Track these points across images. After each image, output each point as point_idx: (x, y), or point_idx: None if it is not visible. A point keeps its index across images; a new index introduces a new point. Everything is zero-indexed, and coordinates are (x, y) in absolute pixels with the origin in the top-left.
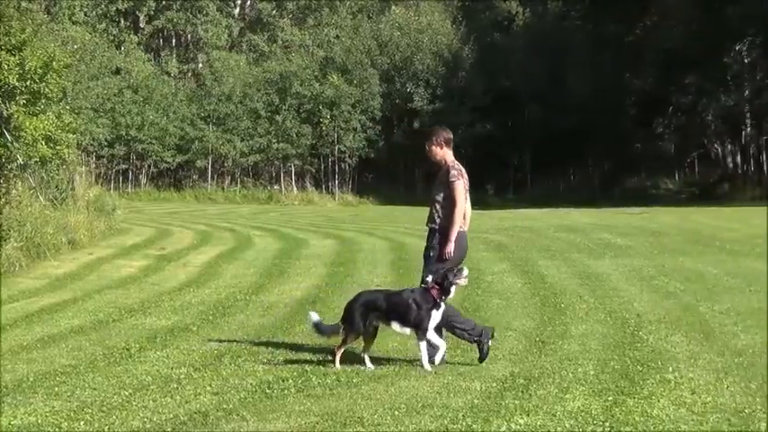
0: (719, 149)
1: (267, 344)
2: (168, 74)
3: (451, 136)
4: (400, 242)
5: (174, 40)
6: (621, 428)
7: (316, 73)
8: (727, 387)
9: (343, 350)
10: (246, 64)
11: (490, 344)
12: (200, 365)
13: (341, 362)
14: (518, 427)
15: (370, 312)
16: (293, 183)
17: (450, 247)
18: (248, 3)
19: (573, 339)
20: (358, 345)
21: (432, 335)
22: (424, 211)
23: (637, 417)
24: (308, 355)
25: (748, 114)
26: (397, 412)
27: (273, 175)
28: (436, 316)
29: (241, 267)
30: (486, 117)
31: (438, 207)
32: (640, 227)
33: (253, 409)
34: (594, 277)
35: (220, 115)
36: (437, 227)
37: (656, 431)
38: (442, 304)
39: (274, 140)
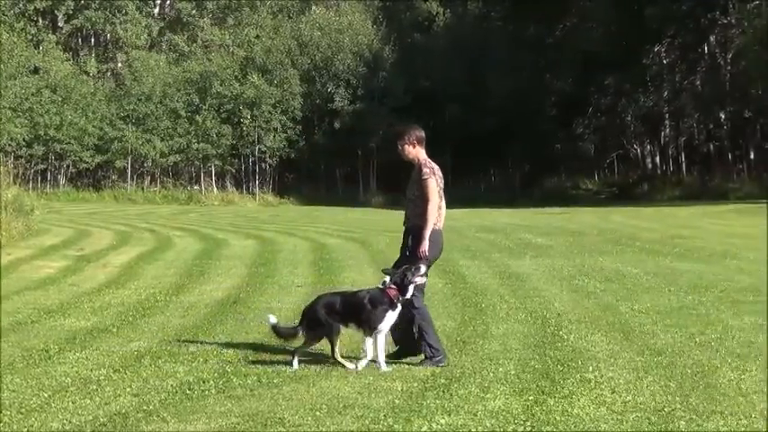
0: (639, 150)
1: (187, 345)
2: (87, 73)
3: (423, 134)
4: (321, 242)
5: (92, 40)
6: (542, 428)
7: (236, 73)
8: (647, 386)
9: (337, 349)
10: (166, 64)
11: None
12: (120, 367)
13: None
14: (439, 426)
15: (330, 314)
16: (213, 183)
17: (425, 246)
18: (168, 2)
19: (494, 339)
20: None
21: (383, 337)
22: (345, 212)
23: (557, 416)
24: (228, 356)
25: (667, 115)
26: (318, 413)
27: (193, 175)
28: (391, 317)
29: (161, 268)
30: (406, 117)
31: (412, 206)
32: (560, 227)
33: (173, 410)
34: (515, 277)
35: (140, 115)
36: (411, 225)
37: (577, 430)
38: (399, 305)
39: (194, 141)
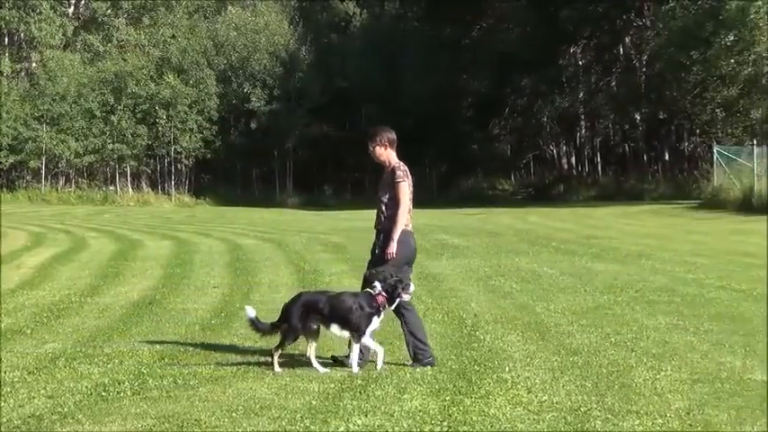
0: (555, 151)
1: (103, 346)
2: (1, 73)
3: (395, 136)
4: (237, 243)
5: (6, 39)
6: (459, 428)
7: (151, 73)
8: (563, 386)
9: (280, 352)
10: (81, 63)
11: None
12: (34, 368)
13: (279, 364)
14: (356, 427)
15: (310, 314)
16: (129, 184)
17: (392, 248)
18: (83, 2)
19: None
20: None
21: (368, 340)
22: (261, 212)
23: (474, 416)
24: (144, 358)
25: (582, 116)
26: (234, 414)
27: (109, 176)
28: (376, 322)
29: (76, 269)
30: (323, 118)
31: (383, 208)
32: (477, 227)
33: (88, 412)
34: (432, 278)
35: (54, 115)
36: (383, 228)
37: (493, 430)
38: (383, 313)
39: (109, 141)
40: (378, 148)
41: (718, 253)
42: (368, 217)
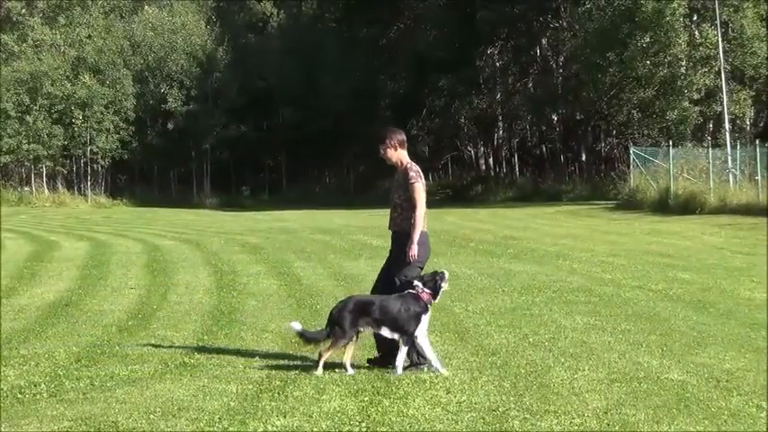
0: (472, 152)
1: (18, 348)
2: None
3: (404, 137)
4: (154, 244)
5: None
6: (377, 428)
7: (67, 73)
8: (482, 386)
9: (328, 355)
10: None
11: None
12: None
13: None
14: (274, 428)
15: (360, 317)
16: (44, 184)
17: (414, 250)
18: None
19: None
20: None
21: (423, 341)
22: (178, 213)
23: (393, 417)
24: (60, 360)
25: (500, 117)
26: (152, 416)
27: (24, 176)
28: (425, 321)
29: None
30: (240, 119)
31: (399, 210)
32: None
33: (4, 414)
34: (350, 278)
35: None
36: (399, 229)
37: (412, 431)
38: (430, 309)
39: (25, 141)
40: (389, 150)
41: (634, 253)
42: (287, 218)
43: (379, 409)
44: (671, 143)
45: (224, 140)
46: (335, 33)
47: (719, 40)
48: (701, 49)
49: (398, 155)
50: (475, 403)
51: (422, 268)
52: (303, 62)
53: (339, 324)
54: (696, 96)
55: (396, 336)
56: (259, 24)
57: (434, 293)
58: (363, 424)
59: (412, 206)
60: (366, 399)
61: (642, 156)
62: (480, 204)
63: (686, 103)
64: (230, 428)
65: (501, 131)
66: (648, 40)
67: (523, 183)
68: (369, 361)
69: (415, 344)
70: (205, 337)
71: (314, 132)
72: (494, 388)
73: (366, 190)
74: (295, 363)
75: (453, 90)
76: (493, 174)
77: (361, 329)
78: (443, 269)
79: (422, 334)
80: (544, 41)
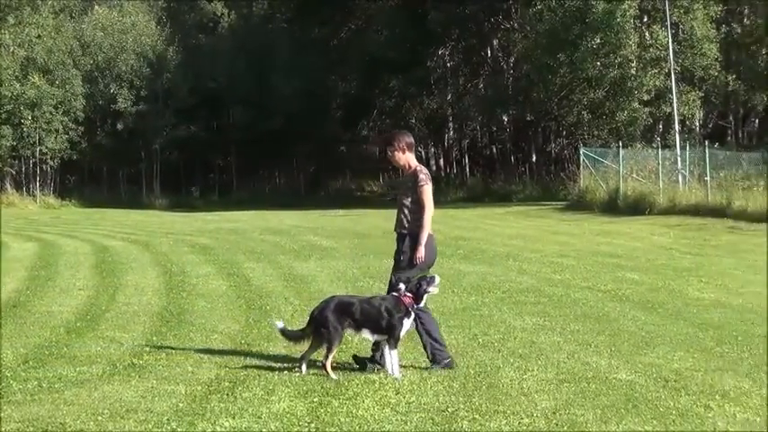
0: (423, 152)
1: None
2: None
3: (412, 140)
4: (104, 245)
5: None
6: (327, 429)
7: (16, 73)
8: (431, 387)
9: (332, 358)
10: None
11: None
12: None
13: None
14: (223, 429)
15: (342, 318)
16: None
17: (421, 252)
18: None
19: (278, 342)
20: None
21: (396, 346)
22: (127, 214)
23: (342, 417)
24: (8, 361)
25: (451, 118)
26: (100, 417)
27: None
28: (407, 324)
29: None
30: (190, 119)
31: (406, 212)
32: (345, 229)
33: None
34: (300, 279)
35: None
36: (407, 231)
37: (361, 431)
38: (413, 313)
39: None
40: (397, 152)
41: (584, 254)
42: (237, 218)
43: (329, 410)
44: (621, 144)
45: (174, 141)
46: (287, 34)
47: (670, 41)
48: (651, 50)
49: (406, 158)
50: (424, 404)
51: (429, 269)
52: (254, 62)
53: (324, 325)
54: (646, 97)
55: (376, 338)
56: (210, 25)
57: (416, 297)
58: (312, 425)
59: (420, 208)
60: (315, 400)
61: (592, 156)
62: None
63: (636, 104)
64: (179, 429)
65: (451, 132)
66: (599, 41)
67: (474, 183)
68: (354, 357)
69: (437, 353)
70: (154, 339)
71: (264, 132)
72: (443, 388)
73: (316, 190)
74: (244, 364)
75: (404, 90)
76: (443, 174)
77: (344, 329)
78: (435, 275)
79: (402, 337)
80: (495, 42)
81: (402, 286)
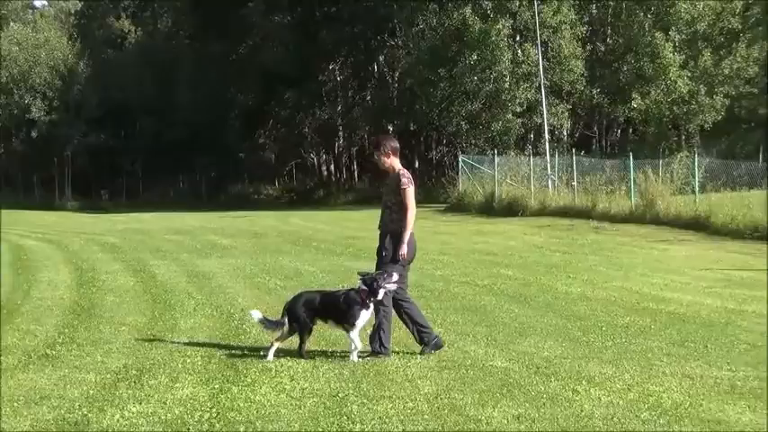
0: (315, 159)
1: None
2: None
3: (398, 145)
4: (18, 244)
5: None
6: (227, 413)
7: None
8: (323, 374)
9: (305, 347)
10: None
11: (432, 352)
12: None
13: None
14: (131, 414)
15: (308, 311)
16: None
17: (404, 250)
18: None
19: (182, 333)
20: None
21: (355, 334)
22: (42, 215)
23: (241, 402)
24: None
25: (341, 127)
26: (16, 404)
27: None
28: (365, 315)
29: None
30: (100, 128)
31: (389, 212)
32: (244, 229)
33: None
34: (202, 275)
35: None
36: (389, 230)
37: (259, 415)
38: (371, 305)
39: None
40: (382, 156)
41: (462, 252)
42: (143, 219)
43: (229, 396)
44: (496, 152)
45: (84, 148)
46: (189, 49)
47: (540, 58)
48: (523, 66)
49: (391, 161)
50: (317, 389)
51: (409, 264)
52: (159, 76)
53: (296, 318)
54: (519, 109)
55: (340, 328)
56: (118, 41)
57: (371, 292)
58: (213, 410)
59: (403, 209)
60: (216, 386)
61: (470, 163)
62: (322, 207)
63: (510, 116)
64: (89, 415)
65: (341, 140)
66: (476, 57)
67: (362, 187)
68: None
69: (378, 334)
70: (66, 331)
71: (169, 140)
72: (334, 375)
73: (217, 194)
74: (151, 354)
75: (298, 102)
76: (334, 179)
77: (313, 320)
78: (393, 272)
79: (359, 326)
80: (381, 58)
81: (359, 281)
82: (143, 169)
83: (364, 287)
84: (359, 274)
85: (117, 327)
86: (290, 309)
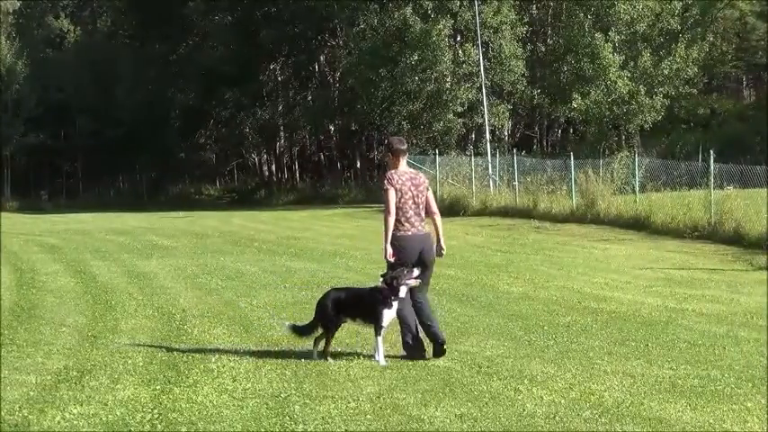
0: (256, 159)
1: None
2: None
3: (402, 147)
4: None
5: None
6: (169, 415)
7: None
8: (265, 374)
9: (331, 344)
10: None
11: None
12: None
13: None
14: (72, 416)
15: (339, 308)
16: None
17: (385, 252)
18: None
19: (123, 333)
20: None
21: (380, 336)
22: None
23: (183, 403)
24: None
25: (282, 127)
26: None
27: None
28: (389, 314)
29: None
30: (39, 128)
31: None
32: (185, 229)
33: None
34: (143, 276)
35: None
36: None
37: (201, 416)
38: (394, 303)
39: None
40: (387, 156)
41: None
42: (83, 220)
43: (171, 397)
44: (437, 151)
45: (23, 148)
46: (129, 49)
47: (481, 58)
48: (464, 66)
49: (393, 161)
50: (259, 390)
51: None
52: (98, 75)
53: (324, 314)
54: (460, 109)
55: (368, 326)
56: (57, 40)
57: (392, 290)
58: (155, 411)
59: (384, 212)
60: (158, 387)
61: (412, 163)
62: (263, 207)
63: (451, 116)
64: (30, 416)
65: (283, 140)
66: (417, 58)
67: (303, 187)
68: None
69: (406, 334)
70: (6, 332)
71: (109, 140)
72: (276, 376)
73: (157, 194)
74: (91, 355)
75: (239, 102)
76: (275, 179)
77: (343, 319)
78: (414, 269)
79: (385, 326)
80: (322, 58)
81: (380, 281)
82: (83, 169)
83: (385, 285)
84: (381, 276)
85: (57, 328)
86: (319, 306)
